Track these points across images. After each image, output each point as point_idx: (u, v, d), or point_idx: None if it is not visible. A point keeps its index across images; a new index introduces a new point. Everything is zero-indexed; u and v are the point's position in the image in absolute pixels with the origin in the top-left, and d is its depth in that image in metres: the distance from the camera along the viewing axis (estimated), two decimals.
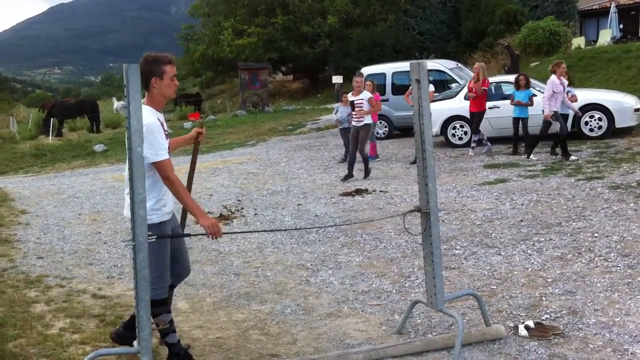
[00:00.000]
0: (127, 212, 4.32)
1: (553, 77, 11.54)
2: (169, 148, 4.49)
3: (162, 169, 4.27)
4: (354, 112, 12.00)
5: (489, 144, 13.16)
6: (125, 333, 4.63)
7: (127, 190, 4.21)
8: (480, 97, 12.93)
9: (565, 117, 12.24)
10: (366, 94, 11.92)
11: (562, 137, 11.64)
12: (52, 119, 28.44)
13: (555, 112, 11.57)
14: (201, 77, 49.84)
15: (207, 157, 17.76)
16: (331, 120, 15.89)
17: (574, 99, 12.16)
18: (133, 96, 3.86)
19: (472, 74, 15.85)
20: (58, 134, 28.40)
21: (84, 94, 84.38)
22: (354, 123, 12.01)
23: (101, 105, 34.63)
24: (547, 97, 11.52)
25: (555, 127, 11.71)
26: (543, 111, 11.72)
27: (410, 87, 13.76)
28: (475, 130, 13.17)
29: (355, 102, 11.94)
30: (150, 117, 4.25)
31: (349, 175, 11.83)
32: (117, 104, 35.90)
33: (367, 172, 11.95)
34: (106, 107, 39.77)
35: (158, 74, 4.31)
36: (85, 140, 25.01)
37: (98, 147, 22.97)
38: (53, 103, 32.27)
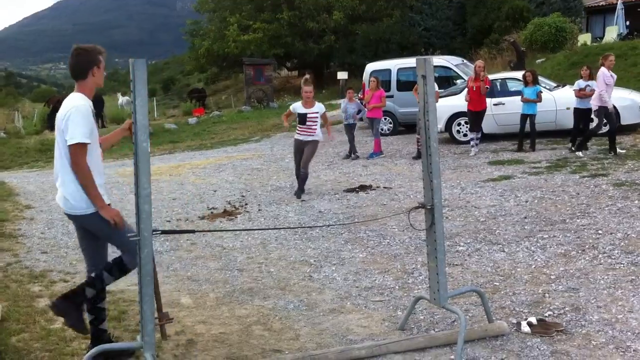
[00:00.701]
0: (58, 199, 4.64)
1: (603, 69, 11.33)
2: (102, 143, 4.58)
3: (75, 152, 4.34)
4: (300, 126, 10.35)
5: (477, 143, 13.05)
6: (65, 304, 4.46)
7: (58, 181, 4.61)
8: (481, 96, 12.83)
9: (588, 112, 12.12)
10: (320, 107, 10.41)
11: (593, 133, 11.40)
12: (57, 114, 28.47)
13: (599, 107, 11.31)
14: (206, 72, 49.87)
15: (211, 152, 17.78)
16: (339, 116, 15.79)
17: (591, 93, 12.06)
18: (139, 91, 3.87)
19: None
20: None
21: None
22: (299, 137, 10.37)
23: (106, 101, 34.61)
24: (602, 90, 11.24)
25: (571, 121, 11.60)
26: (591, 108, 11.46)
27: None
28: (478, 128, 13.05)
29: (307, 115, 10.22)
30: (82, 101, 4.36)
31: (299, 191, 10.39)
32: (122, 99, 35.91)
33: (300, 191, 10.37)
34: (111, 102, 39.80)
35: (97, 63, 4.44)
36: None
37: None
38: (58, 98, 32.21)
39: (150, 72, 68.98)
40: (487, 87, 12.86)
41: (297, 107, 10.39)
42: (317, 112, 10.30)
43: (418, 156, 13.27)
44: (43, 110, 31.83)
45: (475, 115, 13.00)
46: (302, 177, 10.48)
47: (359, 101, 15.16)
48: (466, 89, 13.44)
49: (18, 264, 7.38)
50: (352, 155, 14.09)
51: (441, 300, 4.73)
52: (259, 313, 5.56)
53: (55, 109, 28.88)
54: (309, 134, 10.31)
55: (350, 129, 14.23)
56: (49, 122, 28.53)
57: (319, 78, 41.80)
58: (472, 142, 13.16)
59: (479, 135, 13.11)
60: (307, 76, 11.00)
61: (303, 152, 10.39)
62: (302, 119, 10.28)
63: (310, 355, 4.50)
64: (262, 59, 35.94)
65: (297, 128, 10.41)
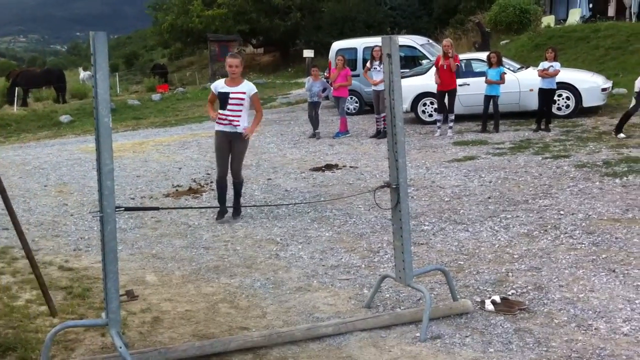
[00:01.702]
0: None
1: None
2: None
3: None
4: (221, 112, 7.56)
5: (452, 125, 13.08)
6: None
7: None
8: (451, 75, 12.86)
9: (550, 92, 12.30)
10: (250, 87, 7.56)
11: (630, 115, 11.18)
12: (17, 89, 27.85)
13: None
14: (170, 48, 49.20)
15: (176, 129, 17.60)
16: (303, 95, 15.63)
17: (555, 72, 12.22)
18: (100, 65, 3.80)
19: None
20: (23, 103, 27.84)
21: (50, 63, 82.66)
22: (221, 128, 7.59)
23: (67, 75, 33.96)
24: None
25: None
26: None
27: (368, 62, 13.46)
28: (451, 109, 13.02)
29: (230, 95, 7.46)
30: None
31: (220, 213, 7.82)
32: (83, 74, 35.30)
33: (237, 211, 7.83)
34: (72, 77, 39.06)
35: None
36: (50, 110, 24.55)
37: (64, 118, 22.58)
38: (18, 72, 31.55)
39: (113, 46, 67.85)
40: (457, 65, 12.88)
41: (218, 85, 7.69)
42: (243, 93, 7.46)
43: (377, 135, 13.38)
44: (3, 84, 31.09)
45: (444, 96, 12.97)
46: (235, 188, 7.77)
47: (324, 80, 15.10)
48: (434, 69, 13.46)
49: None
50: (313, 133, 14.04)
51: (407, 279, 4.77)
52: (225, 291, 5.55)
53: (15, 83, 28.29)
54: (232, 123, 7.49)
55: (314, 107, 14.16)
56: (9, 97, 27.91)
57: (284, 56, 41.59)
58: (438, 124, 13.19)
59: (452, 117, 13.06)
60: (235, 50, 8.82)
61: (229, 151, 7.64)
62: (223, 101, 7.51)
63: (277, 333, 4.51)
64: (227, 35, 35.62)
65: (218, 115, 7.59)
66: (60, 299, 5.41)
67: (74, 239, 7.35)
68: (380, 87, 13.29)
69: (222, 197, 7.79)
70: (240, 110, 7.52)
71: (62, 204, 9.09)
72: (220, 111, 7.55)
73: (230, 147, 7.61)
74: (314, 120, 14.15)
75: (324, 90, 14.25)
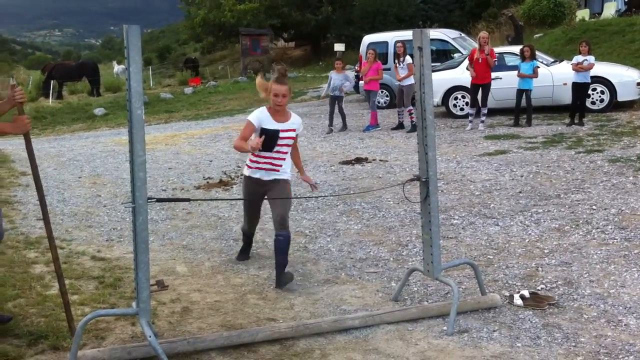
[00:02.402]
0: None
1: None
2: None
3: None
4: (263, 155, 5.45)
5: (484, 119, 12.97)
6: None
7: None
8: (486, 69, 12.74)
9: (584, 86, 12.15)
10: (298, 123, 5.70)
11: None
12: (52, 82, 28.30)
13: None
14: (202, 42, 49.48)
15: (207, 122, 17.74)
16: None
17: (590, 66, 12.07)
18: (133, 58, 3.85)
19: (474, 44, 15.75)
20: (58, 96, 28.30)
21: (85, 56, 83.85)
22: (257, 175, 5.57)
23: (101, 69, 34.42)
24: None
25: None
26: None
27: (396, 59, 13.31)
28: (484, 102, 12.93)
29: (280, 133, 5.45)
30: None
31: (243, 253, 6.27)
32: (117, 68, 35.72)
33: (282, 280, 5.42)
34: (106, 70, 39.57)
35: None
36: (85, 103, 24.93)
37: (98, 111, 22.91)
38: (53, 65, 32.06)
39: (146, 40, 68.47)
40: (495, 60, 12.76)
41: (263, 118, 5.42)
42: (293, 130, 5.57)
43: (413, 129, 13.31)
44: (38, 77, 31.61)
45: (478, 89, 12.86)
46: (280, 245, 5.41)
47: (347, 73, 14.98)
48: (467, 61, 13.37)
49: (14, 230, 7.38)
50: (327, 129, 14.00)
51: (435, 273, 4.76)
52: (254, 282, 5.59)
53: (50, 76, 28.75)
54: (276, 168, 5.53)
55: (334, 100, 14.07)
56: (44, 90, 28.39)
57: (315, 50, 41.59)
58: (470, 118, 13.10)
59: (485, 111, 12.97)
60: (280, 67, 5.63)
61: (259, 202, 5.92)
62: (270, 140, 5.37)
63: (304, 324, 4.54)
64: (259, 30, 35.72)
65: (252, 159, 5.57)
66: (92, 288, 5.50)
67: (107, 229, 7.46)
68: (405, 82, 13.30)
69: (247, 247, 6.33)
70: (287, 153, 5.58)
71: (95, 195, 9.23)
72: (263, 153, 5.43)
73: (263, 196, 5.72)
74: (332, 115, 14.07)
75: (345, 84, 14.15)
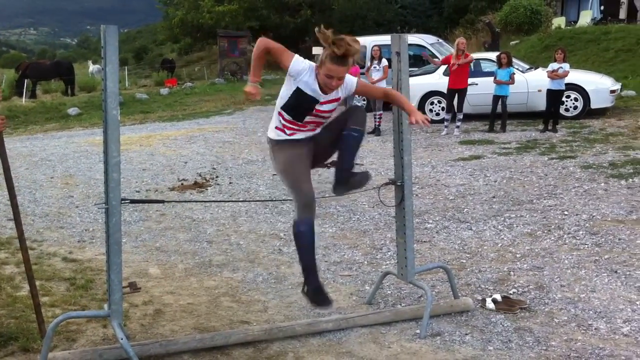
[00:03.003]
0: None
1: None
2: None
3: None
4: (292, 121, 4.22)
5: (460, 124, 13.07)
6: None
7: None
8: (463, 74, 12.86)
9: (558, 93, 12.30)
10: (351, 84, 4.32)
11: None
12: (26, 80, 27.96)
13: None
14: (180, 43, 49.26)
15: (183, 124, 17.64)
16: None
17: (565, 74, 12.22)
18: (110, 58, 3.83)
19: (452, 50, 15.86)
20: (32, 95, 27.95)
21: (60, 56, 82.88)
22: (299, 135, 4.29)
23: (77, 68, 34.05)
24: None
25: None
26: None
27: (368, 61, 13.43)
28: (460, 108, 13.03)
29: (318, 106, 4.18)
30: None
31: (318, 293, 4.30)
32: (92, 67, 35.40)
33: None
34: (82, 70, 39.18)
35: None
36: (59, 103, 24.63)
37: (72, 111, 22.65)
38: (28, 64, 31.65)
39: (122, 40, 67.73)
40: (472, 59, 12.91)
41: (307, 76, 4.11)
42: (337, 100, 4.25)
43: (373, 132, 13.49)
44: (12, 76, 31.21)
45: (455, 94, 12.98)
46: (350, 143, 4.47)
47: None
48: (443, 67, 13.50)
49: None
50: None
51: (408, 276, 4.79)
52: (227, 285, 5.57)
53: (24, 75, 28.40)
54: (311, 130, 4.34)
55: None
56: (18, 89, 28.03)
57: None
58: (445, 123, 13.20)
59: (461, 117, 13.07)
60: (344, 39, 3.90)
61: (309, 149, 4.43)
62: (301, 109, 4.18)
63: (277, 327, 4.53)
64: (237, 32, 35.62)
65: (286, 125, 4.27)
66: (63, 289, 5.44)
67: (79, 230, 7.39)
68: (378, 86, 13.40)
69: (311, 255, 4.44)
70: (329, 118, 4.36)
71: (67, 195, 9.14)
72: (292, 119, 4.23)
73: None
74: None
75: None
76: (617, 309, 4.69)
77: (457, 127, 12.94)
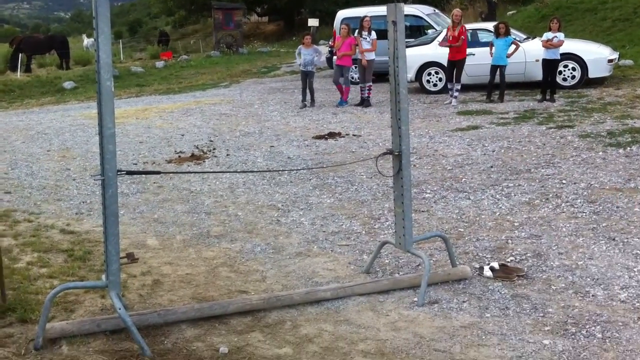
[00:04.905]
0: None
1: None
2: None
3: None
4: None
5: (457, 95, 13.00)
6: None
7: None
8: (461, 45, 12.79)
9: (554, 63, 12.23)
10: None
11: None
12: (20, 55, 27.74)
13: None
14: (174, 15, 48.84)
15: (179, 97, 17.55)
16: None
17: (559, 43, 12.14)
18: (102, 29, 3.78)
19: (448, 21, 15.74)
20: (26, 69, 27.75)
21: (54, 30, 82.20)
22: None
23: (71, 42, 33.76)
24: None
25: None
26: None
27: (356, 32, 13.48)
28: (458, 78, 12.97)
29: None
30: None
31: None
32: (87, 41, 35.14)
33: None
34: (76, 44, 38.88)
35: None
36: (54, 77, 24.47)
37: (67, 84, 22.52)
38: (21, 38, 31.36)
39: (116, 14, 67.38)
40: (462, 38, 12.80)
41: None
42: None
43: (361, 103, 13.47)
44: (6, 50, 30.94)
45: (453, 65, 12.92)
46: None
47: (316, 47, 14.84)
48: (441, 37, 13.42)
49: None
50: (301, 104, 13.90)
51: (406, 245, 4.79)
52: (225, 255, 5.57)
53: (19, 49, 28.16)
54: None
55: (306, 76, 13.92)
56: (12, 63, 27.82)
57: (289, 25, 41.28)
58: (450, 92, 13.12)
59: (458, 87, 13.00)
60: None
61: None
62: None
63: (275, 296, 4.54)
64: (232, 4, 35.28)
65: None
66: (61, 261, 5.44)
67: (76, 203, 7.37)
68: (368, 57, 13.39)
69: None
70: None
71: (64, 168, 9.10)
72: None
73: None
74: (305, 90, 13.97)
75: (316, 58, 14.05)
76: (615, 275, 4.70)
77: (455, 97, 12.88)
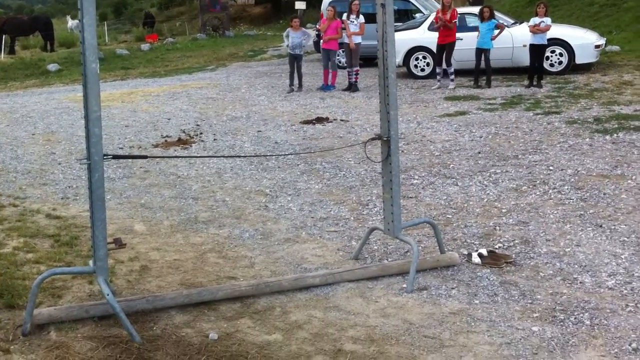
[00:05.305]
0: None
1: None
2: None
3: None
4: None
5: (453, 77, 13.01)
6: None
7: None
8: (451, 29, 12.79)
9: (541, 48, 12.25)
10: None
11: None
12: (3, 36, 27.38)
13: None
14: None
15: (165, 80, 17.41)
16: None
17: (546, 28, 12.15)
18: (87, 9, 3.72)
19: (437, 5, 15.68)
20: (10, 51, 27.42)
21: (38, 11, 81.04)
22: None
23: (55, 24, 33.34)
24: None
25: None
26: None
27: (344, 16, 13.44)
28: (448, 62, 12.97)
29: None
30: None
31: None
32: (71, 23, 34.68)
33: None
34: (60, 25, 38.42)
35: None
36: (38, 59, 24.19)
37: (52, 67, 22.27)
38: (5, 19, 30.94)
39: None
40: (454, 22, 12.80)
41: None
42: None
43: (349, 88, 13.43)
44: None
45: (442, 49, 12.91)
46: None
47: (304, 30, 14.74)
48: (428, 22, 13.39)
49: None
50: (288, 88, 13.80)
51: (395, 231, 4.79)
52: (214, 241, 5.55)
53: (2, 30, 27.79)
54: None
55: (294, 60, 13.81)
56: None
57: (276, 7, 40.99)
58: (438, 77, 13.12)
59: (452, 70, 12.99)
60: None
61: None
62: None
63: (264, 283, 4.53)
64: None
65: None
66: (48, 246, 5.40)
67: (62, 187, 7.31)
68: (355, 40, 13.33)
69: None
70: None
71: (49, 152, 9.02)
72: None
73: None
74: (292, 74, 13.86)
75: (304, 41, 13.95)
76: (602, 262, 4.73)
77: (452, 80, 12.89)
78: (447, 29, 12.73)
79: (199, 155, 8.57)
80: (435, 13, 13.62)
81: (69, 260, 5.09)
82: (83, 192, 6.91)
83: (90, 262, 4.08)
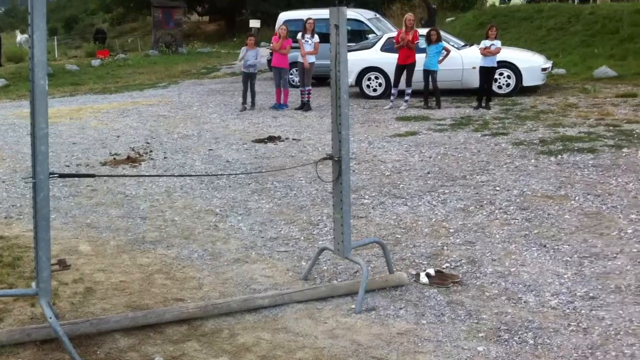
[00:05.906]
0: None
1: None
2: None
3: None
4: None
5: (408, 98, 13.15)
6: None
7: None
8: (411, 50, 12.97)
9: (491, 70, 12.50)
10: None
11: None
12: None
13: None
14: (112, 12, 47.85)
15: (115, 97, 17.20)
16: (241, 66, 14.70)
17: (497, 50, 12.42)
18: (37, 25, 3.67)
19: (389, 26, 15.91)
20: None
21: None
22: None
23: (4, 38, 32.66)
24: None
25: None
26: None
27: (299, 35, 13.68)
28: (409, 82, 13.11)
29: None
30: None
31: None
32: (20, 37, 34.06)
33: None
34: (9, 40, 37.65)
35: None
36: None
37: None
38: None
39: (52, 9, 65.46)
40: (417, 42, 13.00)
41: None
42: None
43: (302, 107, 13.53)
44: None
45: (404, 69, 13.05)
46: None
47: (259, 49, 14.79)
48: (382, 43, 13.57)
49: None
50: (241, 106, 13.78)
51: (345, 252, 4.80)
52: (161, 262, 5.48)
53: None
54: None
55: (248, 78, 13.83)
56: None
57: (230, 25, 40.99)
58: (391, 97, 13.26)
59: (409, 91, 13.13)
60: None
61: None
62: None
63: (212, 304, 4.49)
64: (172, 2, 34.77)
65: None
66: None
67: (5, 206, 7.13)
68: (309, 60, 13.42)
69: None
70: None
71: None
72: None
73: None
74: (245, 92, 13.86)
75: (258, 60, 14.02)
76: (546, 282, 4.83)
77: (406, 101, 13.03)
78: (409, 49, 12.91)
79: (147, 174, 8.48)
80: (396, 33, 13.78)
81: (10, 281, 4.96)
82: (27, 212, 6.75)
83: (33, 284, 3.98)
